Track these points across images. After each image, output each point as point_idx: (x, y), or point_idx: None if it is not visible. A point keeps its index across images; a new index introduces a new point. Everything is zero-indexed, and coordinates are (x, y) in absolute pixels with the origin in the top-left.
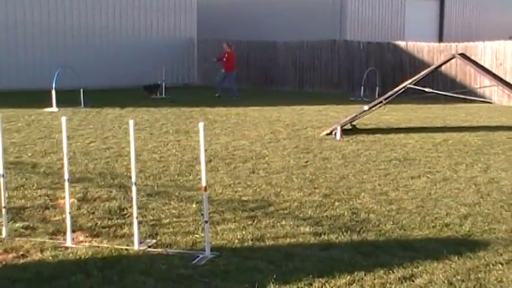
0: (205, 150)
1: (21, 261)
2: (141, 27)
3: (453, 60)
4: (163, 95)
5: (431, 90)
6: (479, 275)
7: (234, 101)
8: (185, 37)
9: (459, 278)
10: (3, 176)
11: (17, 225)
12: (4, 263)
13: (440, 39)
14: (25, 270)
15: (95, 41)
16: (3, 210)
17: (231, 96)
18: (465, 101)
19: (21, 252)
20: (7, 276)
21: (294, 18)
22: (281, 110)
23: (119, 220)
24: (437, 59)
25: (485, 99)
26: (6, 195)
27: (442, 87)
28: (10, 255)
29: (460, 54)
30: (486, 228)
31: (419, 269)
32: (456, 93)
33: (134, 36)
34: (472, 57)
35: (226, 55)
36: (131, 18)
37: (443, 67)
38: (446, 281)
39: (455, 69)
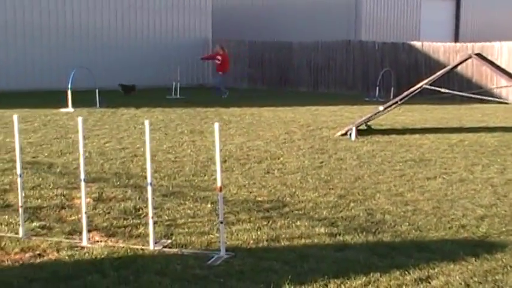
0: (220, 151)
1: (38, 260)
2: (157, 27)
3: (469, 60)
4: (178, 95)
5: (447, 90)
6: (497, 277)
7: (222, 100)
8: (200, 38)
9: (476, 279)
10: (20, 175)
11: (34, 224)
12: (21, 262)
13: (456, 39)
14: (42, 269)
15: (110, 41)
16: (20, 210)
17: (219, 96)
18: (481, 101)
19: (38, 252)
20: (24, 275)
21: (308, 18)
22: (296, 110)
23: (134, 220)
24: (453, 59)
25: (501, 100)
26: (23, 194)
27: (458, 87)
28: (27, 255)
29: (476, 54)
30: (503, 229)
31: (436, 270)
32: (472, 93)
33: (149, 37)
34: (489, 57)
35: (219, 57)
36: (146, 19)
37: (459, 67)
38: (463, 283)
39: (472, 69)
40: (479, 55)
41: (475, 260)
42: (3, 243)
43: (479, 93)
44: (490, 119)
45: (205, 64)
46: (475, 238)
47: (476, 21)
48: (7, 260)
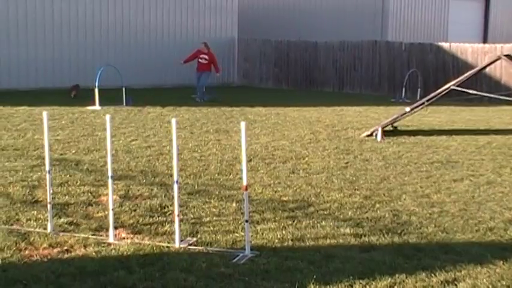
0: (246, 150)
1: (66, 256)
2: (183, 27)
3: (498, 61)
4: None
5: (475, 92)
6: None
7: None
8: (226, 37)
9: (504, 283)
10: (49, 172)
11: (62, 220)
12: (49, 257)
13: (485, 40)
14: (69, 264)
15: (137, 40)
16: (49, 206)
17: (195, 97)
18: (510, 103)
19: (66, 247)
20: (52, 270)
21: (334, 18)
22: (321, 110)
23: (160, 218)
24: (481, 60)
25: None
26: (52, 191)
27: (486, 89)
28: (55, 250)
29: (505, 56)
30: None
31: (462, 273)
32: (501, 95)
33: (176, 36)
34: None
35: (206, 56)
36: (173, 18)
37: (487, 69)
38: (490, 286)
39: (500, 70)
40: (508, 56)
41: (503, 263)
42: (32, 239)
43: (507, 95)
44: None
45: (230, 63)
46: (502, 241)
47: (506, 21)
48: (36, 255)
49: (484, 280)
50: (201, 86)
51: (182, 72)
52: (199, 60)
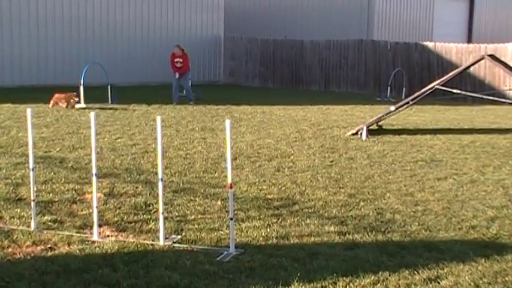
0: (231, 148)
1: (49, 253)
2: (169, 24)
3: (482, 61)
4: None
5: (459, 91)
6: (507, 278)
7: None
8: (212, 35)
9: (485, 280)
10: (32, 169)
11: (45, 218)
12: (33, 254)
13: (470, 40)
14: (53, 262)
15: (123, 37)
16: (32, 204)
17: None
18: (494, 102)
19: (49, 245)
20: (35, 268)
21: (321, 17)
22: (307, 109)
23: (144, 215)
24: (465, 60)
25: None
26: (35, 188)
27: (471, 88)
28: (38, 248)
29: (489, 55)
30: None
31: (445, 270)
32: (485, 94)
33: (162, 34)
34: (502, 59)
35: (180, 59)
36: (159, 15)
37: (471, 68)
38: (472, 284)
39: (484, 70)
40: (492, 56)
41: (485, 261)
42: (15, 236)
43: (491, 95)
44: (502, 121)
45: (216, 61)
46: (485, 239)
47: (490, 22)
48: (19, 253)
49: (466, 277)
50: (187, 89)
51: (168, 70)
52: (175, 64)
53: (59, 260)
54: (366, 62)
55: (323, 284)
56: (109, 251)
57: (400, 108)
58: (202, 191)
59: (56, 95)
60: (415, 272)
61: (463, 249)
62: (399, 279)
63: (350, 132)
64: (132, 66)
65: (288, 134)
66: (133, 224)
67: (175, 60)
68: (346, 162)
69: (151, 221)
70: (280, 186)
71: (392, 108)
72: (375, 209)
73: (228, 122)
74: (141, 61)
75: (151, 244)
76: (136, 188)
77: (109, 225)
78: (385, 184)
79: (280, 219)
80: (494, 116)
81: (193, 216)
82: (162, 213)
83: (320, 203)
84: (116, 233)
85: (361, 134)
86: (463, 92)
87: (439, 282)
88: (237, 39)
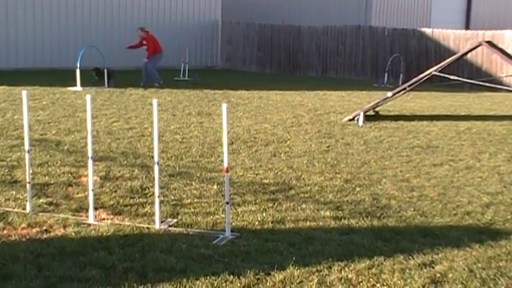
0: (228, 133)
1: (45, 236)
2: (166, 8)
3: (479, 48)
4: (187, 77)
5: (456, 78)
6: (501, 264)
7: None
8: (209, 20)
9: (480, 265)
10: (28, 152)
11: (41, 201)
12: (28, 237)
13: (467, 27)
14: (48, 244)
15: (120, 21)
16: (28, 186)
17: (152, 84)
18: (490, 89)
19: (45, 228)
20: (31, 250)
21: (319, 3)
22: (304, 94)
23: (140, 199)
24: (463, 47)
25: (511, 88)
26: (31, 171)
27: (468, 75)
28: (34, 230)
29: (486, 42)
30: (509, 217)
31: (440, 256)
32: (482, 81)
33: (159, 18)
34: (499, 46)
35: (144, 41)
36: (156, 0)
37: (469, 55)
38: (466, 269)
39: (482, 57)
40: (489, 43)
41: (479, 247)
42: (10, 218)
43: (488, 81)
44: (498, 108)
45: (213, 46)
46: (479, 225)
47: (488, 9)
48: (14, 235)
49: (461, 263)
50: (150, 70)
51: (165, 54)
52: (144, 48)
53: (55, 242)
54: (363, 48)
55: (318, 268)
56: (104, 234)
57: (397, 95)
58: (198, 175)
59: None
60: (410, 257)
61: (458, 235)
62: (394, 264)
63: (347, 118)
64: (129, 51)
65: (285, 119)
66: (129, 207)
67: (143, 43)
68: (342, 148)
69: (147, 205)
70: (276, 171)
71: (389, 94)
72: (371, 195)
73: (224, 107)
74: None
75: (147, 227)
76: (133, 171)
77: (105, 208)
78: (381, 170)
79: (276, 204)
80: (491, 103)
81: (189, 200)
82: (158, 196)
83: (316, 188)
84: (112, 216)
85: (357, 119)
86: (460, 79)
87: (433, 267)
88: (235, 24)
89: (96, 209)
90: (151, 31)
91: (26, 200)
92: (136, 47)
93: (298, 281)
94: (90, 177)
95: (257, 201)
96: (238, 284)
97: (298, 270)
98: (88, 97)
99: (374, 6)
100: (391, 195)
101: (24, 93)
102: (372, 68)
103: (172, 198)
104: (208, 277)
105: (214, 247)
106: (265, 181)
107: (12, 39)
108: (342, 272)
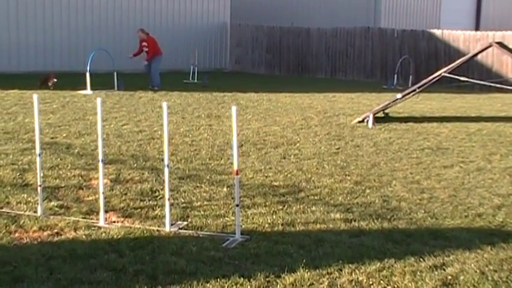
0: (237, 135)
1: (56, 238)
2: (175, 11)
3: (490, 49)
4: (196, 80)
5: (466, 79)
6: None
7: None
8: (218, 22)
9: (491, 268)
10: (39, 155)
11: (52, 204)
12: (39, 240)
13: (477, 27)
14: (59, 247)
15: (129, 24)
16: (39, 189)
17: (152, 87)
18: (501, 90)
19: (56, 230)
20: (42, 253)
21: (327, 4)
22: (313, 96)
23: (150, 202)
24: (473, 48)
25: None
26: (42, 174)
27: (478, 76)
28: (45, 233)
29: (497, 43)
30: None
31: (451, 258)
32: (492, 82)
33: (168, 21)
34: (510, 46)
35: (145, 43)
36: (165, 2)
37: (479, 56)
38: (478, 271)
39: (492, 58)
40: (500, 44)
41: (491, 249)
42: (22, 221)
43: (499, 83)
44: (509, 109)
45: (222, 49)
46: (491, 227)
47: (498, 9)
48: (26, 238)
49: (472, 265)
50: (153, 73)
51: (174, 56)
52: (144, 50)
53: (65, 245)
54: (372, 50)
55: (328, 270)
56: (115, 236)
57: (407, 96)
58: (208, 177)
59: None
60: (421, 260)
61: (469, 237)
62: (405, 267)
63: (356, 120)
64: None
65: (294, 122)
66: (139, 210)
67: (143, 45)
68: (352, 150)
69: (157, 207)
70: (286, 173)
71: (399, 95)
72: (381, 197)
73: (234, 109)
74: None
75: (157, 230)
76: (143, 174)
77: (115, 211)
78: (391, 172)
79: (286, 206)
80: (501, 104)
81: (199, 203)
82: (168, 199)
83: (326, 190)
84: (122, 219)
85: (367, 121)
86: (470, 80)
87: (444, 270)
88: (244, 27)
89: (106, 211)
90: (157, 34)
91: (37, 203)
92: (139, 52)
93: (308, 284)
94: (101, 180)
95: (267, 203)
96: (249, 287)
97: (309, 273)
98: (98, 100)
99: (383, 8)
100: (402, 197)
101: (35, 96)
102: (381, 69)
103: (182, 200)
104: (218, 279)
105: (224, 249)
106: (275, 183)
107: (23, 43)
108: (353, 274)
